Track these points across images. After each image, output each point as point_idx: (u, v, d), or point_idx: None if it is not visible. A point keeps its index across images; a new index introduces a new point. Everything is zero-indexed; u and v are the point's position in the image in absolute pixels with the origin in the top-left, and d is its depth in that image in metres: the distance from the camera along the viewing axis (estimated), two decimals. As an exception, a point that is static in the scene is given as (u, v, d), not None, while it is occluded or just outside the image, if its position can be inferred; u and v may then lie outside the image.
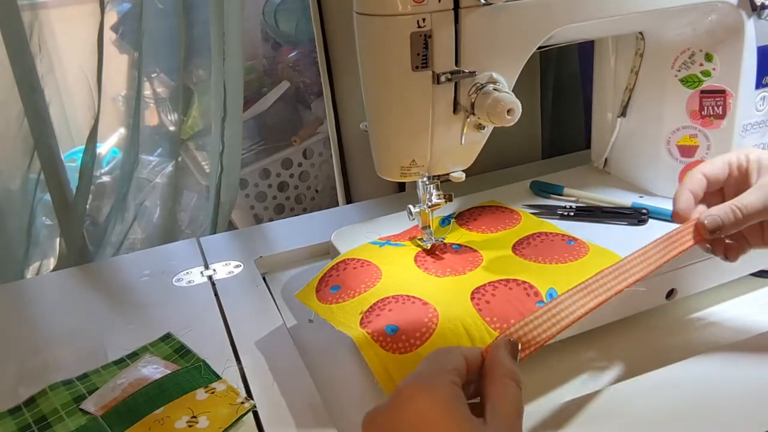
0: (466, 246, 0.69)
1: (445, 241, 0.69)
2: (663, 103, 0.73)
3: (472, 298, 0.58)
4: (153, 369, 0.59)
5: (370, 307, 0.59)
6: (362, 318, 0.58)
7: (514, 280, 0.60)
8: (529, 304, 0.57)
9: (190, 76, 1.15)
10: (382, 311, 0.58)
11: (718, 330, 0.63)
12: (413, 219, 0.68)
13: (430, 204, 0.66)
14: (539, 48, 0.61)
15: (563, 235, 0.68)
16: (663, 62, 0.72)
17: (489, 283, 0.60)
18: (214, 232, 1.00)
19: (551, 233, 0.69)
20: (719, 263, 0.65)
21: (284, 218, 0.94)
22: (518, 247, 0.67)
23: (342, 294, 0.62)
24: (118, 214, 1.01)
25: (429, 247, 0.67)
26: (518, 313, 0.56)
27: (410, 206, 0.67)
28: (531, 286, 0.59)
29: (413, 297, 0.59)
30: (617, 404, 0.53)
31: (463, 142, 0.61)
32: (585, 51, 1.01)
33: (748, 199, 0.54)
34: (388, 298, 0.59)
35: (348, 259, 0.67)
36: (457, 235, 0.71)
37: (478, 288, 0.60)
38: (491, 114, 0.56)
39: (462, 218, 0.75)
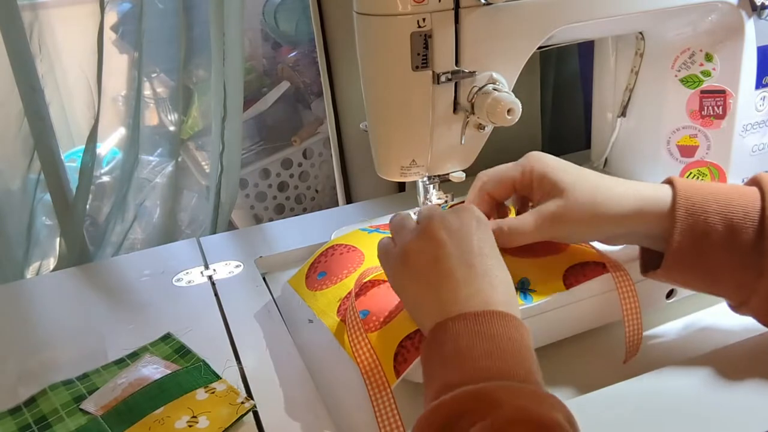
0: None
1: None
2: (663, 103, 0.73)
3: None
4: (153, 369, 0.59)
5: (348, 293, 0.59)
6: (339, 305, 0.59)
7: None
8: None
9: (190, 76, 1.15)
10: (358, 297, 0.58)
11: (718, 330, 0.63)
12: None
13: (430, 204, 0.66)
14: (539, 48, 0.61)
15: None
16: (663, 62, 0.72)
17: None
18: (214, 232, 1.00)
19: None
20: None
21: (284, 218, 0.94)
22: None
23: (326, 280, 0.63)
24: (118, 214, 1.01)
25: None
26: None
27: (410, 212, 0.67)
28: None
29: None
30: (618, 404, 0.53)
31: (463, 142, 0.61)
32: (585, 51, 1.01)
33: (518, 222, 0.58)
34: (365, 283, 0.60)
35: (336, 245, 0.68)
36: None
37: None
38: (491, 114, 0.56)
39: None
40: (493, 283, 0.50)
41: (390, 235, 0.56)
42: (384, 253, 0.55)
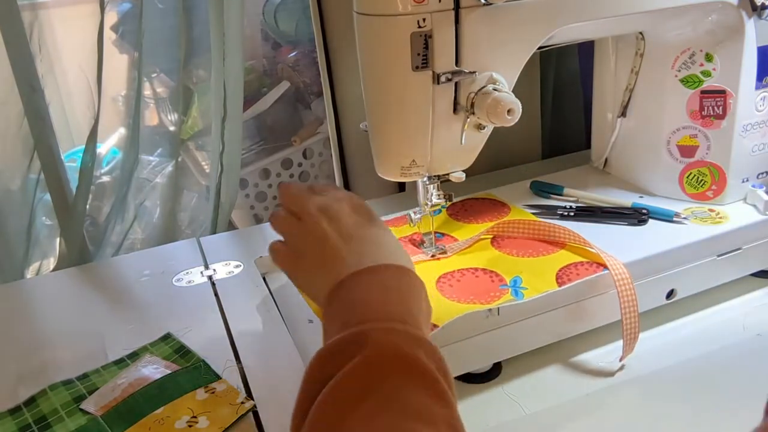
0: (448, 235, 0.70)
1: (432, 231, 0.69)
2: (663, 103, 0.73)
3: (438, 282, 0.60)
4: (153, 369, 0.59)
5: None
6: None
7: (483, 269, 0.62)
8: (491, 288, 0.59)
9: (190, 76, 1.15)
10: None
11: (718, 330, 0.63)
12: (414, 225, 0.68)
13: (430, 204, 0.66)
14: (539, 48, 0.61)
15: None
16: (663, 62, 0.72)
17: (458, 270, 0.62)
18: (214, 232, 1.00)
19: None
20: (719, 263, 0.65)
21: (284, 218, 0.93)
22: (497, 239, 0.68)
23: None
24: (118, 214, 1.01)
25: (430, 256, 0.67)
26: (477, 293, 0.58)
27: (411, 213, 0.67)
28: (497, 275, 0.61)
29: None
30: (617, 402, 0.53)
31: (463, 142, 0.61)
32: (585, 51, 1.01)
33: None
34: None
35: None
36: (448, 226, 0.72)
37: (445, 274, 0.62)
38: (491, 114, 0.56)
39: (454, 208, 0.76)
40: (379, 242, 0.52)
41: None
42: (273, 251, 0.56)
